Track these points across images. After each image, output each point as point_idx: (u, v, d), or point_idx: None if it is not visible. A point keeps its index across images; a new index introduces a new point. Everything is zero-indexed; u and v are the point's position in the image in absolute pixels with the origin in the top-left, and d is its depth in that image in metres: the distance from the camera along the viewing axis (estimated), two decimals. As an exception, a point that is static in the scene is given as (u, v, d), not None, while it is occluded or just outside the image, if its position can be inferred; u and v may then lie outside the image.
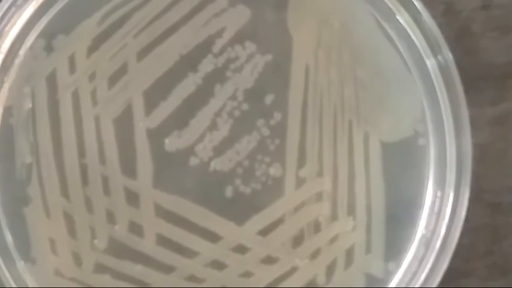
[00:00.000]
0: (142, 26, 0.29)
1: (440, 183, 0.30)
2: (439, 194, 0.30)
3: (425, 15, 0.29)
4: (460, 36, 0.31)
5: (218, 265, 0.29)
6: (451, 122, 0.29)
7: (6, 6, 0.29)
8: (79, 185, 0.29)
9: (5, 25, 0.29)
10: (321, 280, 0.29)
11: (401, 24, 0.30)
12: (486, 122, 0.31)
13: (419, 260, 0.29)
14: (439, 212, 0.29)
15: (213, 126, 0.29)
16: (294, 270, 0.29)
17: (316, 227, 0.29)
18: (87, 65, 0.29)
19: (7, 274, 0.28)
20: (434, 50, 0.29)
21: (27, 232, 0.29)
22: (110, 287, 0.29)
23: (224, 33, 0.30)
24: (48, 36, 0.29)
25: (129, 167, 0.29)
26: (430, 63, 0.30)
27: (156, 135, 0.29)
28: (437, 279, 0.28)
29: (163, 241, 0.29)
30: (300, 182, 0.29)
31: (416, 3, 0.29)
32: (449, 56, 0.29)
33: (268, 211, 0.29)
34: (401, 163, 0.30)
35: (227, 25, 0.30)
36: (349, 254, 0.29)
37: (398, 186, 0.30)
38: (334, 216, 0.29)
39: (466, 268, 0.30)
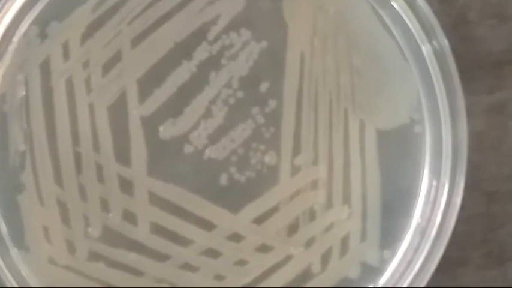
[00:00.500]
0: (137, 13, 0.30)
1: (436, 172, 0.30)
2: (434, 183, 0.30)
3: (421, 2, 0.29)
4: (456, 24, 0.31)
5: (213, 253, 0.29)
6: (447, 110, 0.29)
7: None
8: (73, 173, 0.29)
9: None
10: (316, 268, 0.29)
11: (397, 11, 0.30)
12: (482, 110, 0.31)
13: (415, 249, 0.29)
14: (434, 200, 0.30)
15: (207, 114, 0.29)
16: (288, 258, 0.29)
17: (311, 215, 0.29)
18: (81, 53, 0.29)
19: (0, 262, 0.29)
20: (430, 37, 0.30)
21: (20, 220, 0.29)
22: (103, 275, 0.29)
23: (219, 20, 0.30)
24: (42, 23, 0.30)
25: (123, 155, 0.29)
26: (426, 50, 0.30)
27: (151, 123, 0.29)
28: (432, 268, 0.29)
29: (157, 229, 0.29)
30: (295, 170, 0.30)
31: None
32: (446, 43, 0.29)
33: (263, 199, 0.29)
34: (397, 151, 0.30)
35: (222, 12, 0.30)
36: (344, 242, 0.29)
37: (394, 174, 0.30)
38: (329, 205, 0.29)
39: (462, 257, 0.31)
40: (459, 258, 0.30)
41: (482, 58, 0.31)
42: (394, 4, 0.30)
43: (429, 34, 0.30)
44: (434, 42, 0.30)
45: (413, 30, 0.30)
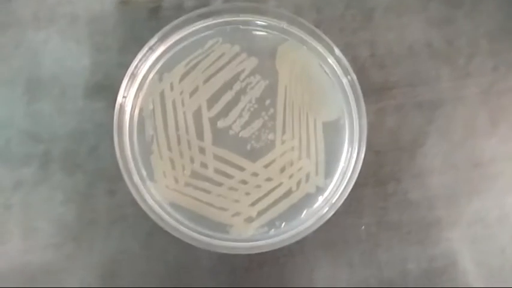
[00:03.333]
0: (205, 67, 0.30)
1: (351, 142, 0.30)
2: (350, 148, 0.30)
3: (343, 58, 0.29)
4: (360, 69, 0.31)
5: (244, 182, 0.29)
6: (356, 111, 0.29)
7: (136, 62, 0.29)
8: (176, 144, 0.29)
9: (139, 67, 0.29)
10: (293, 189, 0.30)
11: (331, 63, 0.30)
12: (372, 111, 0.31)
13: (341, 179, 0.29)
14: (350, 156, 0.30)
15: (240, 115, 0.30)
16: (280, 184, 0.30)
17: (291, 163, 0.30)
18: (179, 87, 0.30)
19: (143, 188, 0.29)
20: (347, 75, 0.30)
21: (152, 168, 0.29)
22: (192, 193, 0.29)
23: (245, 70, 0.30)
24: (160, 73, 0.30)
25: (200, 135, 0.29)
26: (345, 81, 0.30)
27: (213, 120, 0.30)
28: (349, 188, 0.29)
29: (217, 171, 0.29)
30: (283, 141, 0.30)
31: (337, 52, 0.29)
32: (355, 77, 0.29)
33: (268, 156, 0.30)
34: (332, 132, 0.30)
35: (246, 67, 0.30)
36: (307, 175, 0.30)
37: (331, 143, 0.30)
38: (299, 158, 0.30)
39: (364, 182, 0.31)
40: (363, 183, 0.30)
41: (372, 85, 0.31)
42: (329, 60, 0.30)
43: (346, 73, 0.29)
44: (349, 77, 0.29)
45: (337, 71, 0.30)
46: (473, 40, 0.32)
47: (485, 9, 0.32)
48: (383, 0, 0.32)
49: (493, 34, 0.32)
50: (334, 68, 0.30)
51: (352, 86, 0.29)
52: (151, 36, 0.29)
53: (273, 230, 0.29)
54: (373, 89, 0.31)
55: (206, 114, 0.30)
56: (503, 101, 0.32)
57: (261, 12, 0.30)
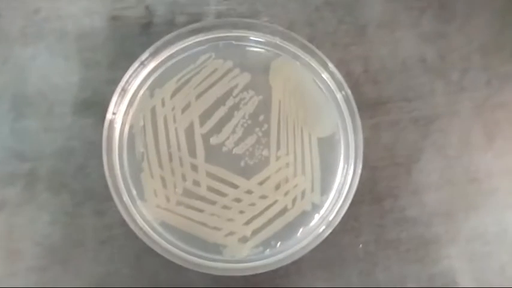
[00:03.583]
0: (198, 83, 0.30)
1: (346, 159, 0.30)
2: (346, 165, 0.29)
3: (337, 74, 0.29)
4: (354, 85, 0.31)
5: (237, 200, 0.29)
6: (351, 127, 0.29)
7: (127, 78, 0.29)
8: (167, 162, 0.29)
9: (130, 82, 0.29)
10: (289, 206, 0.29)
11: (325, 79, 0.30)
12: (367, 127, 0.31)
13: (338, 196, 0.29)
14: (346, 173, 0.29)
15: (233, 132, 0.29)
16: (275, 202, 0.29)
17: (286, 180, 0.29)
18: (170, 103, 0.30)
19: (133, 208, 0.28)
20: (341, 90, 0.29)
21: (142, 186, 0.29)
22: (184, 213, 0.29)
23: (238, 86, 0.30)
24: (151, 89, 0.30)
25: (192, 152, 0.29)
26: (339, 96, 0.30)
27: (206, 137, 0.29)
28: (346, 205, 0.28)
29: (210, 189, 0.29)
30: (277, 158, 0.29)
31: (331, 67, 0.29)
32: (350, 93, 0.29)
33: (262, 172, 0.29)
34: (327, 148, 0.30)
35: (239, 82, 0.30)
36: (303, 192, 0.29)
37: (326, 159, 0.30)
38: (295, 174, 0.29)
39: (360, 199, 0.30)
40: (359, 200, 0.30)
41: (366, 101, 0.31)
42: (323, 75, 0.30)
43: (341, 89, 0.29)
44: (343, 92, 0.29)
45: (331, 86, 0.30)
46: (466, 54, 0.33)
47: (477, 24, 0.33)
48: (376, 15, 0.32)
49: (485, 48, 0.33)
50: (328, 83, 0.30)
51: (346, 101, 0.29)
52: (142, 52, 0.29)
53: (268, 250, 0.29)
54: (368, 105, 0.31)
55: (198, 131, 0.29)
56: (498, 115, 0.33)
57: (254, 28, 0.29)
